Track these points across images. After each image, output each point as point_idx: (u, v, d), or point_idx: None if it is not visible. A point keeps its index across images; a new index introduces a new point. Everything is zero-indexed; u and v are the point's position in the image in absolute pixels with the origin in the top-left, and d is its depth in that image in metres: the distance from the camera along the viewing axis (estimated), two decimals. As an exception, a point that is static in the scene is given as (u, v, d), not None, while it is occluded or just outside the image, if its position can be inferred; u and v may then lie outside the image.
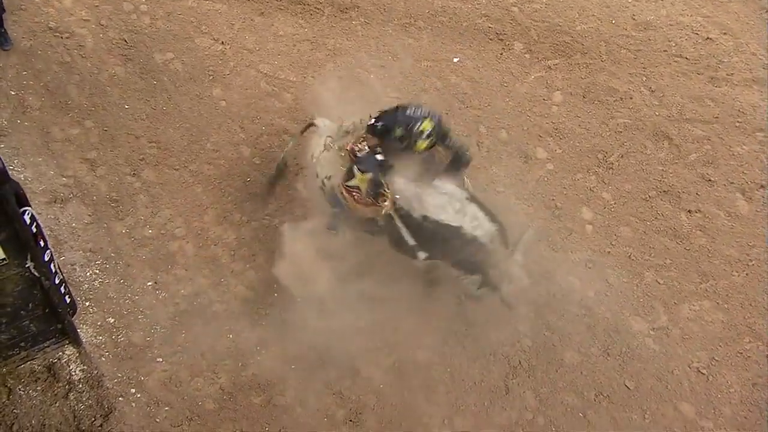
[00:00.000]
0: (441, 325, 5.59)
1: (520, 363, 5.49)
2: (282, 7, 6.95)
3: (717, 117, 6.51)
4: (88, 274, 5.57)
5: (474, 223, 5.16)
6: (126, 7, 6.84)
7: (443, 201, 5.18)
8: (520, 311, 5.59)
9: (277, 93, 6.57)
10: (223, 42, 6.75)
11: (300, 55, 6.79)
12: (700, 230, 6.08)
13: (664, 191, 6.23)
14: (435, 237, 5.19)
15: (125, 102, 6.38)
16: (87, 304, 5.43)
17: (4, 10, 6.34)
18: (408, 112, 5.01)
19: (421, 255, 5.28)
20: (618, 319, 5.69)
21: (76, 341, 5.13)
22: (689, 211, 6.16)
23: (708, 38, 6.84)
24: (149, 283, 5.60)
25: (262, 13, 6.92)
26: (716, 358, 5.56)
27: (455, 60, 6.77)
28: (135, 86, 6.46)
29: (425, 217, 5.15)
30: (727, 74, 6.65)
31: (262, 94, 6.54)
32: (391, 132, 5.00)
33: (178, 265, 5.70)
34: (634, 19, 7.08)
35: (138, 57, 6.60)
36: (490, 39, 6.98)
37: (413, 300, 5.57)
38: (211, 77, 6.58)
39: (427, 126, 4.94)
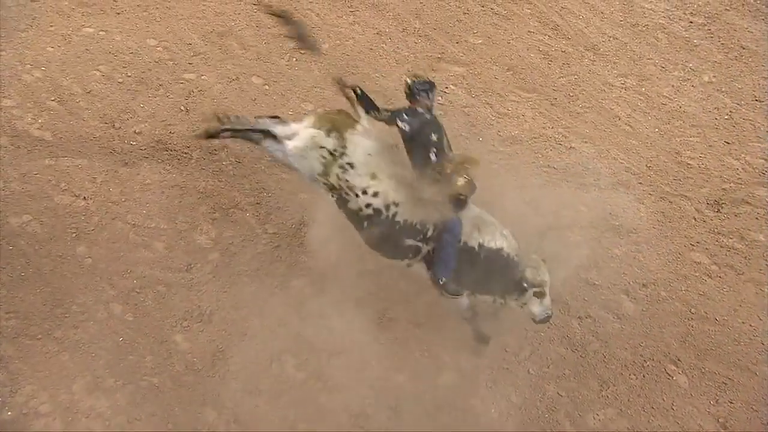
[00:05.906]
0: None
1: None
2: (147, 156, 6.74)
3: (591, 221, 6.64)
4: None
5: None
6: (-25, 174, 6.49)
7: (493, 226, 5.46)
8: None
9: (147, 243, 6.27)
10: (85, 197, 6.44)
11: (170, 201, 6.55)
12: (593, 335, 6.06)
13: (552, 300, 6.21)
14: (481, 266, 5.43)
15: (-24, 274, 5.93)
16: None
17: None
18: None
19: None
20: (525, 439, 5.51)
21: None
22: (580, 318, 6.15)
23: (571, 147, 7.07)
24: (11, 474, 5.04)
25: (126, 163, 6.69)
26: (628, 468, 5.44)
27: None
28: (-12, 255, 6.04)
29: (480, 246, 5.41)
30: (594, 180, 6.86)
31: (131, 245, 6.24)
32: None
33: (45, 446, 5.17)
34: (499, 134, 7.28)
35: (-10, 223, 6.21)
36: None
37: None
38: (74, 235, 6.22)
39: None
